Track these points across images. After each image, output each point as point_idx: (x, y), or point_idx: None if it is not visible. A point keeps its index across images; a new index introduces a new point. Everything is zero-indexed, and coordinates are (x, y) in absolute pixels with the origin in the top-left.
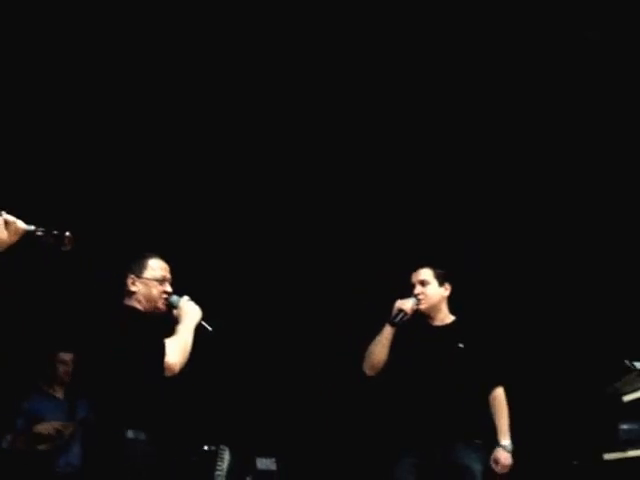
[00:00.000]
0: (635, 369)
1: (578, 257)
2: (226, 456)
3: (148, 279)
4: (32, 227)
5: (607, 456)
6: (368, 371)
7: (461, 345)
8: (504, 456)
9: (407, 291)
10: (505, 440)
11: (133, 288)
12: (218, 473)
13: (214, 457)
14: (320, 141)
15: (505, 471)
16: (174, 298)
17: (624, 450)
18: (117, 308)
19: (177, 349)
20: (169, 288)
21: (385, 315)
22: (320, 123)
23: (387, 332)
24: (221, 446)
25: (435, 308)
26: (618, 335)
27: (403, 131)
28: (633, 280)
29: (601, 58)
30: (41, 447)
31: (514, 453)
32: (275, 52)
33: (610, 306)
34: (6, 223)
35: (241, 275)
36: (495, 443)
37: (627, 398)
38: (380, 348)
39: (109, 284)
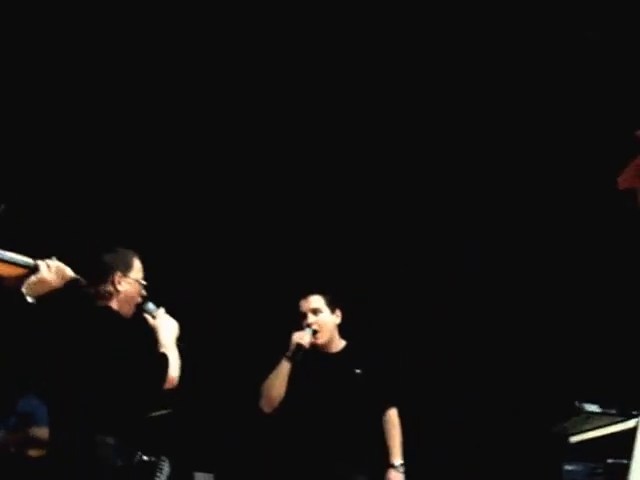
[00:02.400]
0: (584, 411)
1: (521, 275)
2: (165, 468)
3: (133, 279)
4: (77, 276)
5: None
6: (266, 408)
7: (358, 371)
8: (396, 476)
9: (296, 319)
10: (397, 460)
11: (119, 287)
12: None
13: (154, 468)
14: (317, 141)
15: None
16: (150, 305)
17: None
18: (102, 309)
19: (176, 363)
20: (144, 292)
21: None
22: (316, 124)
23: (285, 368)
24: (161, 457)
25: (329, 337)
26: (569, 377)
27: (401, 133)
28: (589, 322)
29: (601, 58)
30: (32, 452)
31: (406, 473)
32: (272, 51)
33: (565, 348)
34: (57, 269)
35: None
36: (387, 464)
37: (574, 439)
38: (278, 384)
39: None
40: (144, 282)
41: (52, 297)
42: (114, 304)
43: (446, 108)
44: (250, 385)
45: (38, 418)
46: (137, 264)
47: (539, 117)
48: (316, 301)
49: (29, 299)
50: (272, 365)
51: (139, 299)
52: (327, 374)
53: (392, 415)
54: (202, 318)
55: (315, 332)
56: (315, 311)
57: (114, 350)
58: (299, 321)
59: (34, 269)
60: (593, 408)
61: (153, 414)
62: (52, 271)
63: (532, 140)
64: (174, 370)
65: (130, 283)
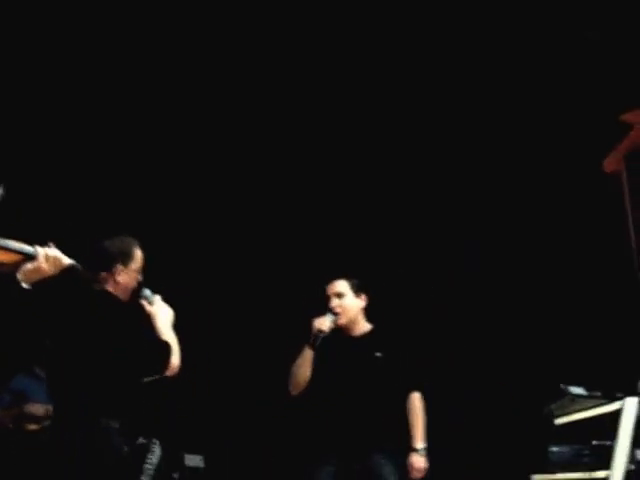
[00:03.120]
0: (569, 393)
1: (520, 274)
2: (157, 450)
3: (133, 269)
4: (73, 262)
5: (536, 477)
6: (293, 391)
7: (379, 354)
8: (418, 460)
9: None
10: (420, 444)
11: (118, 278)
12: (148, 467)
13: (145, 450)
14: (318, 140)
15: (421, 475)
16: (147, 292)
17: (553, 472)
18: (103, 293)
19: (177, 350)
20: (141, 279)
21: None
22: (316, 123)
23: (307, 353)
24: (153, 439)
25: (352, 320)
26: (555, 359)
27: (401, 133)
28: (575, 306)
29: (601, 58)
30: (31, 427)
31: (429, 457)
32: (271, 49)
33: (550, 330)
34: (53, 258)
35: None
36: (409, 448)
37: (560, 421)
38: (303, 369)
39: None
40: (142, 270)
41: (49, 282)
42: (111, 289)
43: (445, 109)
44: (241, 370)
45: (31, 395)
46: (138, 254)
47: (539, 117)
48: (340, 285)
49: (24, 285)
50: (298, 349)
51: (135, 286)
52: (349, 357)
53: (415, 399)
54: (207, 306)
55: (336, 316)
56: (339, 295)
57: (115, 333)
58: (325, 305)
59: (31, 257)
60: (578, 391)
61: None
62: (48, 260)
63: (526, 136)
64: (175, 358)
65: (129, 273)
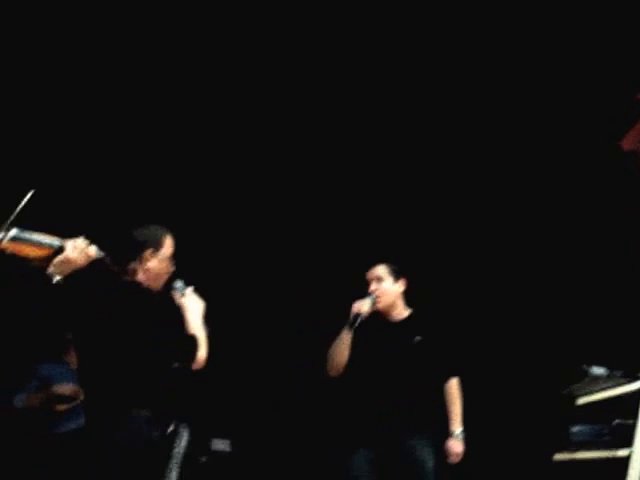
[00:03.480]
0: (590, 374)
1: (543, 259)
2: (185, 435)
3: (163, 257)
4: (102, 254)
5: (557, 456)
6: (331, 373)
7: (417, 338)
8: (455, 445)
9: (364, 288)
10: (457, 429)
11: (148, 264)
12: (176, 452)
13: (173, 435)
14: (317, 138)
15: (458, 459)
16: (180, 284)
17: (575, 452)
18: (132, 284)
19: (204, 343)
20: (173, 268)
21: (343, 306)
22: (318, 119)
23: (346, 336)
24: (181, 425)
25: (391, 305)
26: (577, 340)
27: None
28: (596, 286)
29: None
30: (60, 407)
31: (466, 442)
32: (274, 41)
33: (572, 312)
34: (82, 249)
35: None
36: (448, 433)
37: (580, 401)
38: (341, 351)
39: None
40: (174, 260)
41: (79, 275)
42: (142, 280)
43: (444, 108)
44: (268, 355)
45: (56, 381)
46: (168, 242)
47: (551, 93)
48: (379, 270)
49: (55, 278)
50: (335, 333)
51: (167, 277)
52: (387, 340)
53: (453, 385)
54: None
55: (375, 299)
56: (378, 279)
57: (143, 324)
58: (365, 289)
59: (59, 249)
60: (599, 371)
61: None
62: (77, 251)
63: (543, 114)
64: (203, 351)
65: (159, 260)
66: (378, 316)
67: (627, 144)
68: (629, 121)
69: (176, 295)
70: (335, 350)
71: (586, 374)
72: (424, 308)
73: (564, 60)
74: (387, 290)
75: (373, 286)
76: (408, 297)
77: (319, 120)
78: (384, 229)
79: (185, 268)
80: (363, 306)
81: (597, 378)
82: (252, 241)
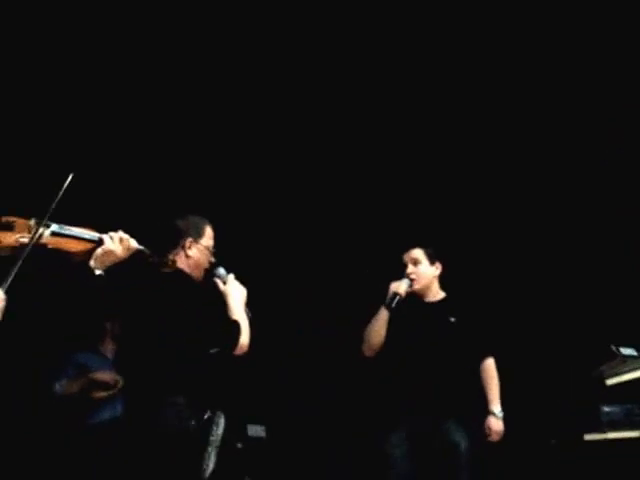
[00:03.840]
0: (620, 354)
1: (571, 240)
2: (221, 422)
3: (204, 246)
4: (142, 247)
5: (588, 437)
6: (367, 353)
7: (452, 319)
8: (496, 423)
9: (399, 271)
10: (496, 408)
11: (189, 252)
12: (213, 439)
13: (210, 423)
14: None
15: (498, 438)
16: (221, 270)
17: (604, 432)
18: (174, 272)
19: (246, 330)
20: (213, 258)
21: (378, 294)
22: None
23: (383, 315)
24: (217, 412)
25: (427, 287)
26: (606, 321)
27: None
28: (624, 268)
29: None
30: (98, 395)
31: (505, 421)
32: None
33: (601, 293)
34: (121, 240)
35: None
36: (486, 412)
37: (610, 382)
38: (378, 330)
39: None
40: (214, 249)
41: (120, 268)
42: (183, 266)
43: (444, 102)
44: (303, 340)
45: (92, 368)
46: (209, 231)
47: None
48: (416, 253)
49: (97, 271)
50: (371, 313)
51: (208, 265)
52: (423, 321)
53: (489, 364)
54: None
55: (412, 281)
56: (415, 262)
57: (185, 313)
58: (402, 272)
59: (99, 242)
60: (629, 351)
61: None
62: (117, 242)
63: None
64: (246, 337)
65: (200, 250)
66: (414, 298)
67: None
68: None
69: (218, 282)
70: (372, 330)
71: (615, 355)
72: (458, 291)
73: (564, 59)
74: (423, 273)
75: (410, 268)
76: (443, 280)
77: (336, 109)
78: (419, 212)
79: (225, 257)
80: (400, 287)
81: (626, 359)
82: (287, 225)
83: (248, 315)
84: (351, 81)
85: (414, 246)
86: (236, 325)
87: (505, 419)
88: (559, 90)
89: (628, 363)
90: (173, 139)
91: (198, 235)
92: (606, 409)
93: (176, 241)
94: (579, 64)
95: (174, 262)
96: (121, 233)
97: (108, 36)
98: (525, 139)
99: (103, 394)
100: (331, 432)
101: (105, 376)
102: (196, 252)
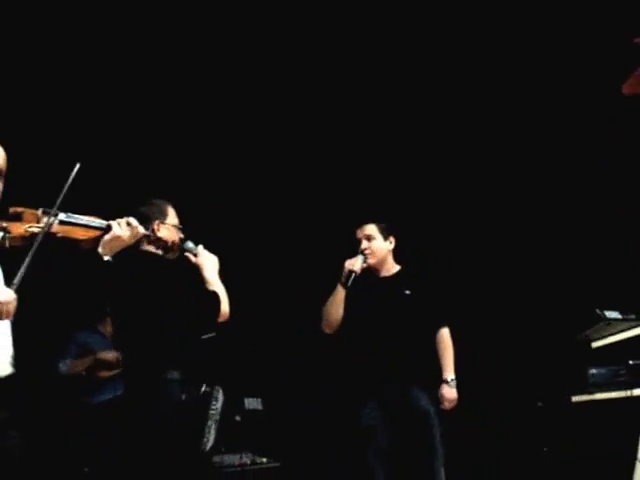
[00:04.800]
0: (604, 318)
1: (550, 202)
2: (220, 396)
3: (171, 224)
4: (148, 232)
5: (575, 398)
6: (327, 330)
7: (407, 292)
8: (449, 391)
9: (353, 246)
10: (449, 376)
11: (158, 234)
12: (212, 412)
13: (209, 397)
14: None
15: (452, 405)
16: (190, 244)
17: (592, 393)
18: (145, 254)
19: (224, 297)
20: (182, 235)
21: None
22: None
23: (340, 293)
24: (215, 387)
25: (382, 261)
26: (591, 286)
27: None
28: (607, 230)
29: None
30: (103, 374)
31: (460, 388)
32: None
33: (584, 257)
34: (129, 226)
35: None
36: (440, 380)
37: (596, 344)
38: (335, 308)
39: None
40: (180, 225)
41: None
42: (154, 249)
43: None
44: (297, 311)
45: (94, 347)
46: (172, 211)
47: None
48: (370, 229)
49: (105, 258)
50: (330, 290)
51: (178, 241)
52: (379, 295)
53: (443, 334)
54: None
55: (366, 257)
56: (369, 237)
57: (167, 291)
58: (355, 247)
59: (107, 229)
60: (613, 315)
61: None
62: (124, 228)
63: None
64: (226, 305)
65: (169, 229)
66: (369, 272)
67: (627, 89)
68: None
69: (190, 256)
70: (330, 307)
71: (600, 318)
72: (416, 264)
73: (564, 59)
74: (378, 248)
75: (364, 244)
76: (397, 254)
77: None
78: (370, 188)
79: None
80: (355, 264)
81: (610, 322)
82: (259, 201)
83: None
84: (327, 68)
85: (367, 222)
86: (215, 295)
87: (459, 387)
88: (559, 90)
89: (613, 326)
90: (168, 131)
91: (163, 216)
92: (592, 371)
93: (146, 226)
94: (579, 64)
95: (176, 245)
96: (129, 219)
97: (116, 32)
98: (524, 137)
99: (107, 373)
100: (322, 403)
101: (109, 355)
102: (166, 232)
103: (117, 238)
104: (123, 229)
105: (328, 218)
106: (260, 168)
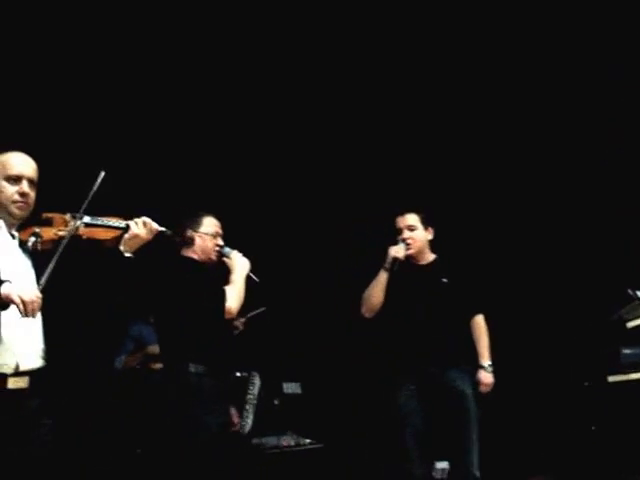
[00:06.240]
0: (637, 298)
1: (582, 185)
2: (256, 381)
3: (204, 233)
4: (163, 228)
5: (611, 378)
6: (367, 314)
7: (445, 280)
8: (485, 376)
9: (393, 235)
10: (485, 361)
11: (192, 241)
12: (250, 397)
13: (246, 383)
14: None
15: (488, 389)
16: (226, 249)
17: (627, 373)
18: (179, 257)
19: (235, 296)
20: (221, 242)
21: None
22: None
23: (383, 278)
24: (252, 372)
25: (421, 250)
26: (623, 266)
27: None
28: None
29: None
30: (155, 366)
31: (496, 373)
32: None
33: (617, 237)
34: (145, 224)
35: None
36: (477, 365)
37: (630, 324)
38: (377, 292)
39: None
40: (217, 234)
41: (145, 251)
42: (192, 254)
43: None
44: (336, 300)
45: (147, 339)
46: (207, 221)
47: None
48: (412, 219)
49: (127, 254)
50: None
51: (216, 248)
52: (419, 282)
53: (479, 320)
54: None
55: (408, 245)
56: (410, 227)
57: (188, 291)
58: (396, 236)
59: (126, 229)
60: None
61: (249, 314)
62: (141, 226)
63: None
64: (232, 302)
65: (201, 237)
66: (407, 261)
67: None
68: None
69: (226, 260)
70: (372, 291)
71: (633, 298)
72: (449, 253)
73: (564, 59)
74: (419, 237)
75: (406, 234)
76: (433, 244)
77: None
78: (410, 178)
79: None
80: (399, 251)
81: None
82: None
83: (254, 282)
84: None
85: (409, 212)
86: (222, 293)
87: (495, 372)
88: (559, 90)
89: None
90: (185, 136)
91: (197, 225)
92: (627, 351)
93: (181, 232)
94: (579, 64)
95: (193, 239)
96: (144, 218)
97: (136, 36)
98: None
99: (158, 365)
100: (358, 387)
101: (156, 349)
102: (199, 239)
103: (136, 236)
104: (140, 228)
105: (365, 207)
106: (300, 159)
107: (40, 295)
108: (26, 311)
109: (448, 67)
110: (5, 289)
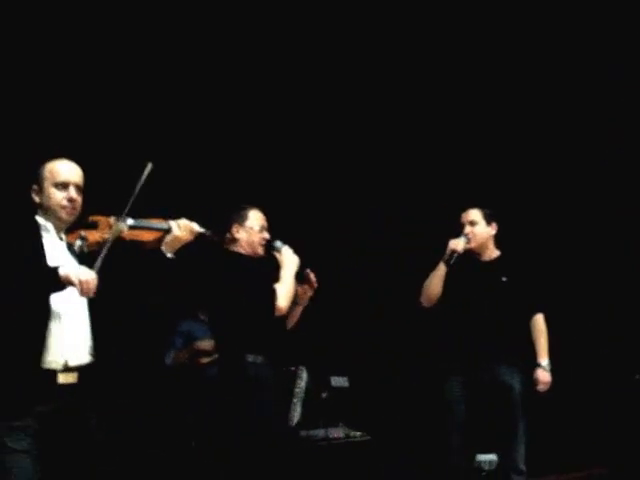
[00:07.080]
0: None
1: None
2: (304, 376)
3: (249, 227)
4: (203, 229)
5: None
6: (425, 303)
7: (504, 278)
8: (543, 375)
9: (457, 229)
10: (544, 360)
11: (236, 235)
12: (297, 390)
13: (293, 377)
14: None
15: (546, 388)
16: (277, 243)
17: None
18: (227, 253)
19: (285, 294)
20: (267, 235)
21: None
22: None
23: (441, 269)
24: (299, 367)
25: (483, 246)
26: None
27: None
28: None
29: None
30: (203, 360)
31: (554, 372)
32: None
33: None
34: (185, 226)
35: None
36: (535, 364)
37: None
38: (436, 283)
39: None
40: (263, 228)
41: (187, 250)
42: (239, 248)
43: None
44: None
45: (196, 335)
46: (253, 215)
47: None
48: (473, 214)
49: (168, 255)
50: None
51: (260, 241)
52: (478, 278)
53: (538, 320)
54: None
55: (468, 239)
56: (472, 222)
57: (237, 285)
58: (459, 231)
59: (167, 230)
60: None
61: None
62: (182, 228)
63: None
64: (282, 301)
65: (247, 231)
66: (471, 256)
67: None
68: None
69: (276, 254)
70: (430, 283)
71: None
72: (512, 250)
73: (565, 59)
74: (480, 233)
75: (467, 229)
76: (498, 240)
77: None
78: (476, 174)
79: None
80: (458, 244)
81: None
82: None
83: (308, 277)
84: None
85: (472, 207)
86: (272, 292)
87: (553, 371)
88: (560, 90)
89: None
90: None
91: (242, 219)
92: None
93: (227, 227)
94: (580, 64)
95: (234, 239)
96: (184, 220)
97: (178, 39)
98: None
99: (206, 360)
100: (404, 379)
101: (205, 344)
102: (244, 234)
103: (177, 238)
104: (182, 230)
105: (424, 202)
106: (358, 156)
107: (95, 276)
108: (83, 291)
109: (443, 67)
110: (63, 270)
